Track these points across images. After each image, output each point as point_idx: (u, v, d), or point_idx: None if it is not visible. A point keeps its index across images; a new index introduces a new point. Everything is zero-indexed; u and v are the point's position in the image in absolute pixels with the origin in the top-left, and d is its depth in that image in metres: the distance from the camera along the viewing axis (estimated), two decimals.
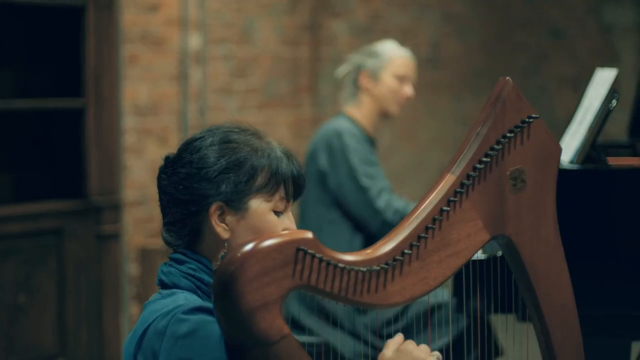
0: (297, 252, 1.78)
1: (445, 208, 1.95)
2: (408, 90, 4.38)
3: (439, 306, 3.95)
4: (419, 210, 1.95)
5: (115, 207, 5.31)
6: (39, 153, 5.39)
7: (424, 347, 1.97)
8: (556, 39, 8.26)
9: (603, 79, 3.28)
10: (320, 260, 1.80)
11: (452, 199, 1.96)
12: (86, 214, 5.24)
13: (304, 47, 6.72)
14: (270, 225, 2.00)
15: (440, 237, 1.94)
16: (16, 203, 5.16)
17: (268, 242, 1.77)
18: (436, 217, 1.94)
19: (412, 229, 1.92)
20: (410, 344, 1.97)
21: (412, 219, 1.94)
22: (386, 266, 1.88)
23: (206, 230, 2.01)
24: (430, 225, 1.93)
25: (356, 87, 4.37)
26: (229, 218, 1.99)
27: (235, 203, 1.98)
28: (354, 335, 3.96)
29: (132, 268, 5.81)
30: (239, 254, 1.75)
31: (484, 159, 1.98)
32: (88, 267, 5.24)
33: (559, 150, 2.07)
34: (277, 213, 2.02)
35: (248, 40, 6.42)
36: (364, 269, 1.85)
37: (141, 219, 5.86)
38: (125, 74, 5.69)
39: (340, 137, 4.22)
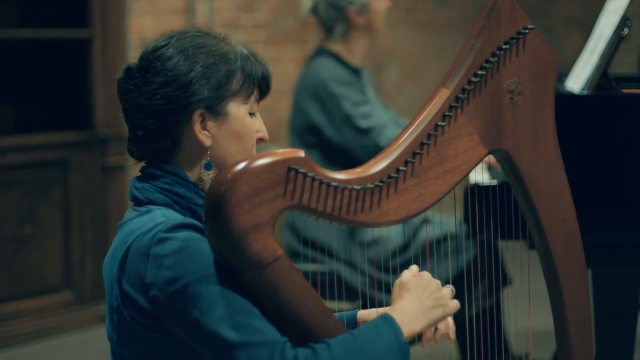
0: (288, 171, 1.74)
1: (440, 123, 1.91)
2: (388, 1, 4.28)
3: (445, 238, 3.91)
4: (414, 126, 1.90)
5: (121, 139, 5.28)
6: (44, 84, 5.37)
7: (437, 280, 1.95)
8: None
9: (615, 8, 3.24)
10: (313, 179, 1.77)
11: (447, 113, 1.91)
12: (91, 145, 5.22)
13: None
14: (249, 128, 1.96)
15: (436, 152, 1.90)
16: (20, 134, 5.14)
17: (258, 162, 1.73)
18: (431, 132, 1.90)
19: (406, 146, 1.88)
20: (427, 274, 1.94)
21: (406, 135, 1.90)
22: (381, 184, 1.85)
23: (185, 140, 1.95)
24: (425, 141, 1.89)
25: (347, 25, 4.24)
26: (210, 124, 1.94)
27: (216, 108, 1.93)
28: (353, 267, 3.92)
29: None
30: (229, 175, 1.71)
31: (480, 72, 1.94)
32: (93, 199, 5.23)
33: (556, 62, 2.02)
34: (251, 115, 1.98)
35: None
36: (358, 187, 1.82)
37: None
38: (131, 7, 5.64)
39: (325, 86, 4.12)
